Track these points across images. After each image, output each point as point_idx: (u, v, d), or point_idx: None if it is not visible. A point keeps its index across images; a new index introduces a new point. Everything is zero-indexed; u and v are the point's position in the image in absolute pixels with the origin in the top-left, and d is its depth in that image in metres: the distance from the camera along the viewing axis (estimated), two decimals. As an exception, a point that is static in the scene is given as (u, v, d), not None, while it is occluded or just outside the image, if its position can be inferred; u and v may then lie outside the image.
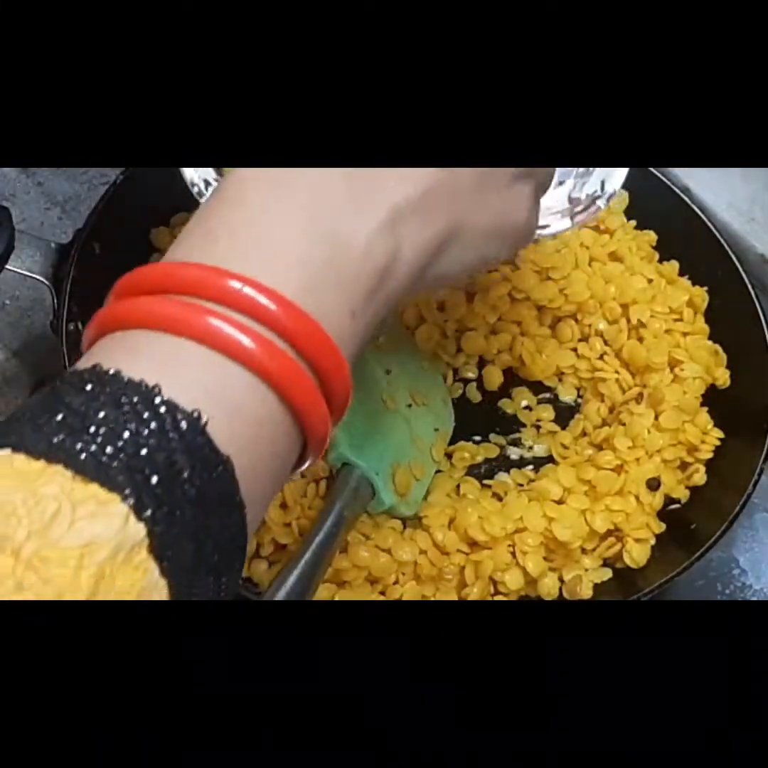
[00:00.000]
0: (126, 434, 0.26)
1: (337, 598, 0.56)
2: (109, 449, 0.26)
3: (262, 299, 0.29)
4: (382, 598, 0.57)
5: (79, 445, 0.26)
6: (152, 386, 0.27)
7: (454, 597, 0.58)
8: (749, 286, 0.66)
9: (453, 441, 0.65)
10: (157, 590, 0.26)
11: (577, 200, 0.39)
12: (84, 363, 0.29)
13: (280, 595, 0.48)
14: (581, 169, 0.39)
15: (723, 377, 0.66)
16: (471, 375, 0.68)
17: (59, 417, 0.27)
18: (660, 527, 0.61)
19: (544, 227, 0.37)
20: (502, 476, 0.64)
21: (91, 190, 0.74)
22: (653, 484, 0.61)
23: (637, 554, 0.60)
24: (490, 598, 0.58)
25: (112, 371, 0.28)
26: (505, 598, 0.58)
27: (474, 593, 0.57)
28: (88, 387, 0.28)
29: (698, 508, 0.62)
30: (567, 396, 0.68)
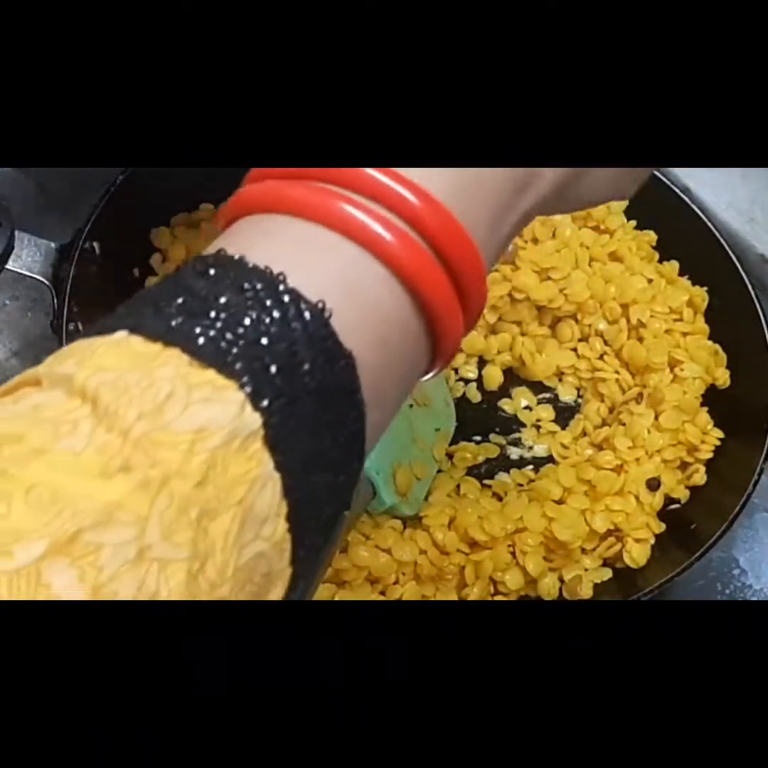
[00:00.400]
0: (247, 321, 0.25)
1: (337, 598, 0.56)
2: (228, 335, 0.25)
3: (404, 192, 0.28)
4: (382, 598, 0.57)
5: (198, 330, 0.25)
6: (277, 273, 0.26)
7: (454, 597, 0.58)
8: (749, 286, 0.66)
9: (453, 441, 0.65)
10: (271, 482, 0.25)
11: None
12: (211, 249, 0.28)
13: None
14: None
15: (723, 377, 0.66)
16: (471, 375, 0.68)
17: (180, 300, 0.26)
18: (660, 527, 0.61)
19: None
20: (502, 476, 0.64)
21: (91, 190, 0.74)
22: (653, 484, 0.61)
23: (637, 554, 0.60)
24: (490, 598, 0.58)
25: (236, 256, 0.27)
26: (505, 598, 0.58)
27: (474, 593, 0.57)
28: (212, 271, 0.27)
29: (698, 508, 0.63)
30: (567, 396, 0.68)
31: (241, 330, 0.25)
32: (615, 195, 0.38)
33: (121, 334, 0.26)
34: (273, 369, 0.25)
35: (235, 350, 0.25)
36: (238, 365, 0.25)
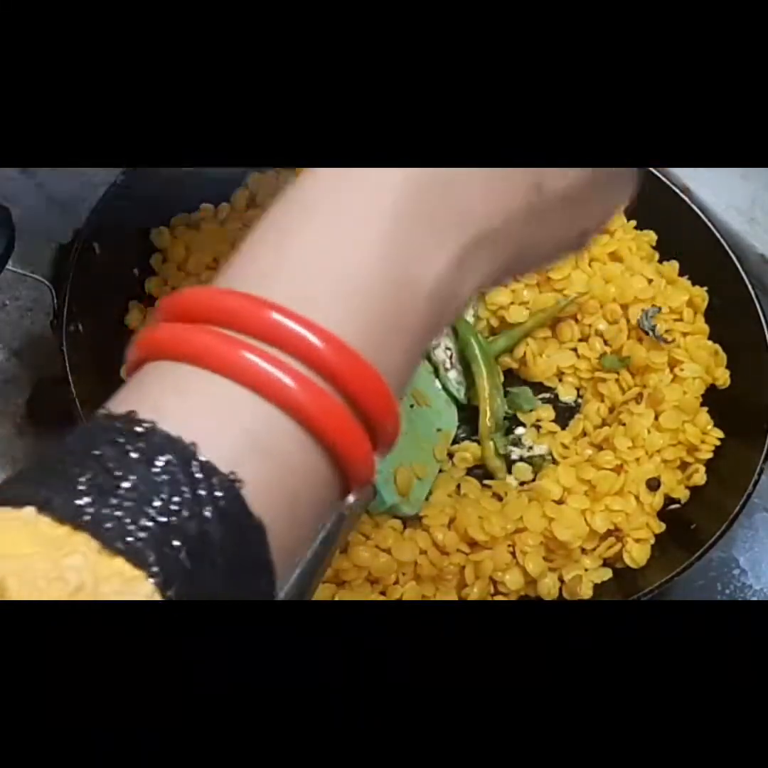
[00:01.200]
0: (157, 502, 0.25)
1: (337, 598, 0.56)
2: (138, 518, 0.25)
3: (310, 337, 0.27)
4: (382, 598, 0.57)
5: (105, 511, 0.25)
6: (188, 444, 0.26)
7: (454, 597, 0.58)
8: (749, 286, 0.66)
9: (454, 441, 0.65)
10: None
11: None
12: (121, 402, 0.28)
13: (280, 595, 0.48)
14: None
15: (723, 377, 0.66)
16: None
17: (89, 474, 0.25)
18: (660, 527, 0.61)
19: None
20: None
21: (91, 190, 0.74)
22: (653, 484, 0.61)
23: (637, 554, 0.60)
24: (490, 598, 0.58)
25: (146, 424, 0.26)
26: (505, 598, 0.58)
27: (474, 593, 0.57)
28: (122, 440, 0.26)
29: (698, 508, 0.63)
30: (567, 396, 0.68)
31: (151, 511, 0.25)
32: (565, 251, 0.37)
33: (30, 512, 0.25)
34: (182, 554, 0.25)
35: (143, 535, 0.25)
36: (147, 552, 0.25)
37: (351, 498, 0.31)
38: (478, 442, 0.65)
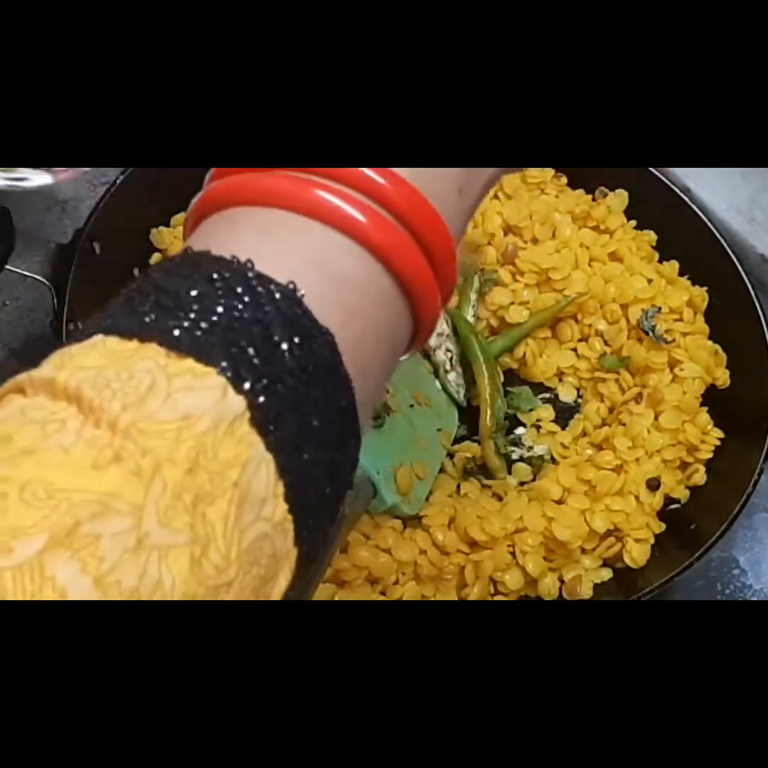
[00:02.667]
0: (219, 309, 0.26)
1: (337, 598, 0.56)
2: (203, 324, 0.26)
3: (368, 171, 0.29)
4: (382, 598, 0.57)
5: (172, 322, 0.26)
6: (244, 261, 0.27)
7: (454, 597, 0.58)
8: (749, 286, 0.66)
9: (454, 441, 0.65)
10: (264, 463, 0.25)
11: None
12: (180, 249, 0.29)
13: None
14: None
15: (723, 377, 0.66)
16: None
17: (151, 298, 0.26)
18: (660, 527, 0.61)
19: (22, 179, 0.37)
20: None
21: (91, 190, 0.74)
22: (653, 484, 0.61)
23: (637, 554, 0.60)
24: (490, 598, 0.58)
25: (200, 250, 0.28)
26: (505, 598, 0.58)
27: (474, 593, 0.57)
28: (180, 268, 0.27)
29: (698, 508, 0.63)
30: (567, 396, 0.68)
31: (214, 318, 0.26)
32: None
33: (97, 337, 0.26)
34: (250, 352, 0.26)
35: (211, 338, 0.25)
36: (215, 351, 0.25)
37: (421, 340, 0.32)
38: (478, 442, 0.65)
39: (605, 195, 0.72)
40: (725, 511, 0.59)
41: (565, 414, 0.68)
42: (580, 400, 0.68)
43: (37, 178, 0.38)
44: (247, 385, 0.25)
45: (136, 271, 0.67)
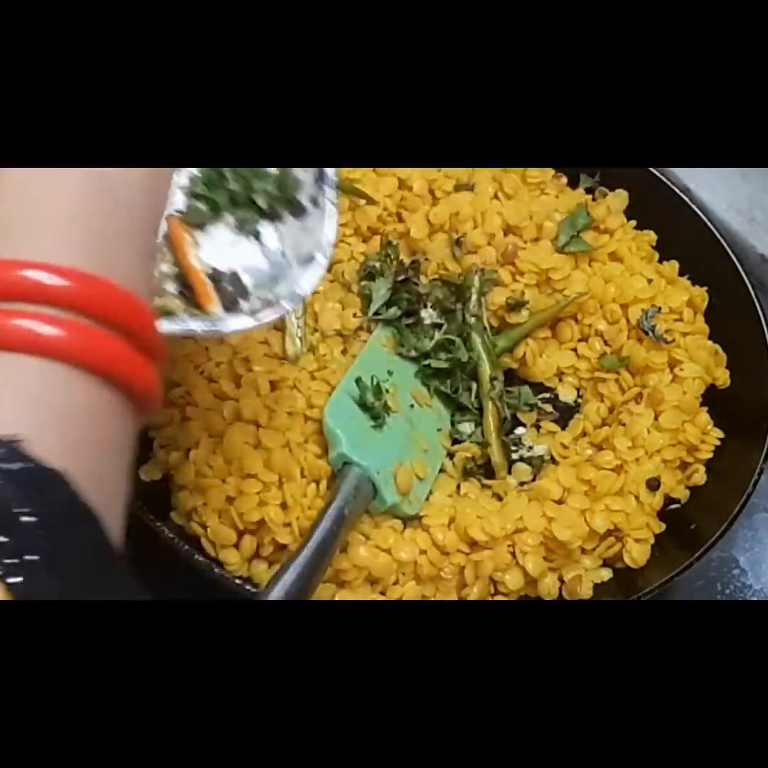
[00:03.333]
0: None
1: (337, 598, 0.56)
2: None
3: (35, 276, 0.27)
4: (382, 598, 0.57)
5: None
6: None
7: (454, 597, 0.58)
8: (749, 286, 0.66)
9: (454, 441, 0.65)
10: None
11: (264, 301, 0.40)
12: None
13: (280, 595, 0.48)
14: (267, 278, 0.41)
15: (723, 377, 0.66)
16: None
17: None
18: (660, 527, 0.61)
19: (225, 319, 0.38)
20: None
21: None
22: (653, 484, 0.61)
23: (637, 554, 0.60)
24: (490, 598, 0.58)
25: None
26: (505, 598, 0.58)
27: (474, 593, 0.57)
28: None
29: (698, 508, 0.62)
30: (567, 396, 0.68)
31: None
32: None
33: None
34: None
35: None
36: None
37: (148, 409, 0.31)
38: (479, 442, 0.65)
39: (605, 195, 0.72)
40: (725, 511, 0.59)
41: (565, 414, 0.68)
42: (580, 400, 0.68)
43: (236, 323, 0.39)
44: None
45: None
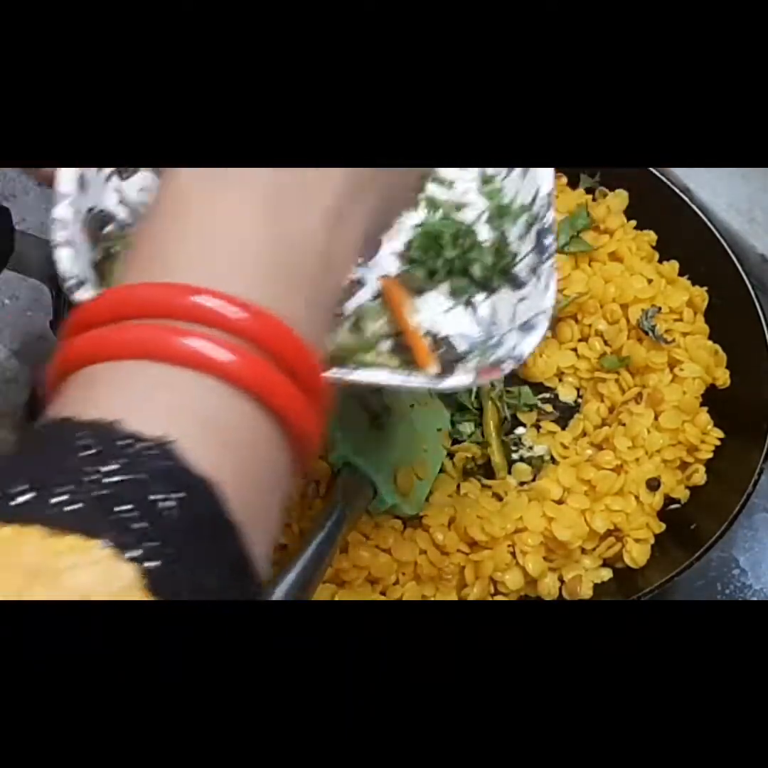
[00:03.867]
0: (94, 477, 0.25)
1: (337, 598, 0.56)
2: (76, 497, 0.25)
3: (218, 305, 0.28)
4: (382, 598, 0.57)
5: (45, 501, 0.25)
6: (111, 421, 0.26)
7: (454, 597, 0.58)
8: (749, 286, 0.66)
9: (454, 441, 0.65)
10: None
11: (481, 363, 0.40)
12: (43, 416, 0.28)
13: (280, 595, 0.48)
14: (482, 344, 0.41)
15: (723, 377, 0.66)
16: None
17: (22, 478, 0.25)
18: (660, 527, 0.61)
19: (444, 377, 0.38)
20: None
21: (91, 190, 0.74)
22: (653, 484, 0.61)
23: (637, 554, 0.60)
24: (490, 598, 0.58)
25: (63, 417, 0.27)
26: (505, 598, 0.58)
27: (474, 593, 0.57)
28: (47, 440, 0.27)
29: (698, 508, 0.63)
30: (567, 396, 0.68)
31: (91, 488, 0.25)
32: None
33: None
34: (132, 515, 0.25)
35: (88, 509, 0.25)
36: (97, 523, 0.25)
37: (306, 462, 0.31)
38: (479, 442, 0.65)
39: (605, 195, 0.72)
40: (725, 511, 0.59)
41: (565, 414, 0.68)
42: (580, 400, 0.68)
43: (454, 380, 0.39)
44: (135, 553, 0.25)
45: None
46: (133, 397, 0.27)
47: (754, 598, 0.65)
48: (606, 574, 0.60)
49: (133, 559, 0.25)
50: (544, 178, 0.44)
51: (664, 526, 0.61)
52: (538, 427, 0.67)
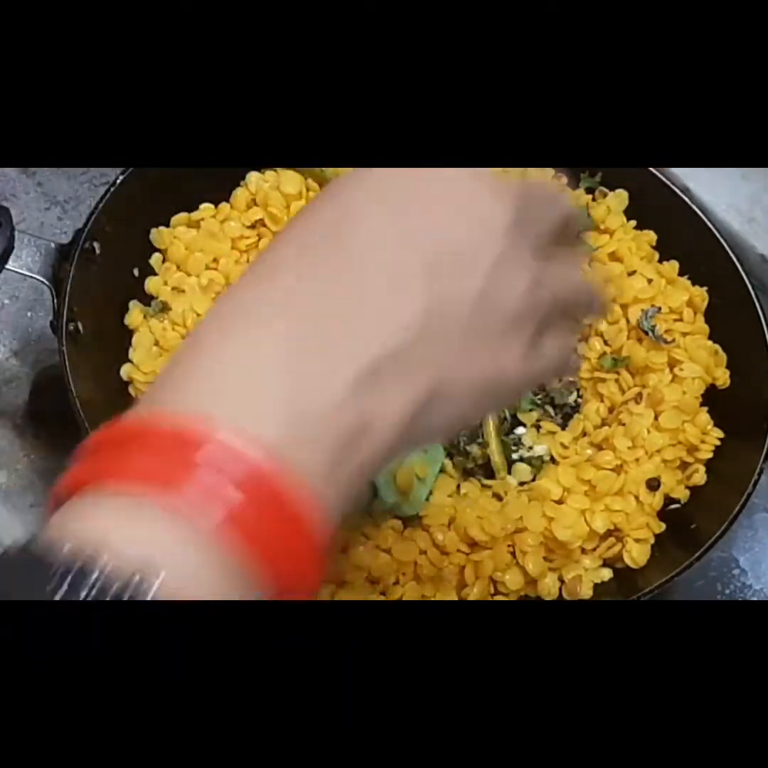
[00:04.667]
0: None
1: (337, 598, 0.56)
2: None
3: (241, 449, 0.27)
4: (382, 598, 0.57)
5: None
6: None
7: (454, 597, 0.58)
8: (749, 286, 0.66)
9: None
10: None
11: None
12: (42, 538, 0.27)
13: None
14: None
15: (723, 377, 0.66)
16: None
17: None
18: (660, 527, 0.61)
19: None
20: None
21: (91, 190, 0.74)
22: (653, 484, 0.61)
23: (637, 554, 0.60)
24: (490, 598, 0.58)
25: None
26: (505, 598, 0.58)
27: (474, 593, 0.57)
28: (55, 583, 0.25)
29: (698, 508, 0.62)
30: (567, 396, 0.68)
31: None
32: (473, 420, 0.36)
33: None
34: None
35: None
36: None
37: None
38: (478, 442, 0.65)
39: (605, 195, 0.72)
40: (725, 511, 0.59)
41: (565, 414, 0.68)
42: (580, 400, 0.68)
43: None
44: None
45: (135, 272, 0.67)
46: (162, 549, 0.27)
47: (754, 598, 0.65)
48: (606, 574, 0.60)
49: None
50: None
51: (664, 526, 0.61)
52: (538, 427, 0.67)
